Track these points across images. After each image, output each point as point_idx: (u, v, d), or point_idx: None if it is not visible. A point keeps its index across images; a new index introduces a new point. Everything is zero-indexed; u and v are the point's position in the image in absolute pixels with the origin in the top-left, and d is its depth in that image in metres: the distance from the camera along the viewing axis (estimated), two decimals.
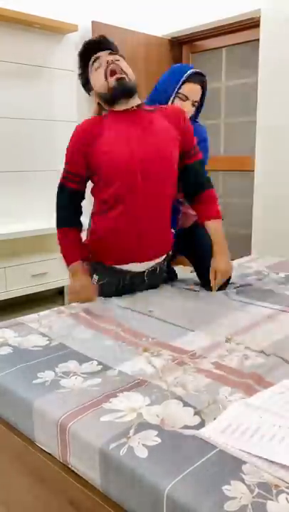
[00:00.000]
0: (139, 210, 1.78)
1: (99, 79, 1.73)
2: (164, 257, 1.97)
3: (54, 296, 3.82)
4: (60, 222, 1.87)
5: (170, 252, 2.03)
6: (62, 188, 1.84)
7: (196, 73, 2.01)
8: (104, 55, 1.72)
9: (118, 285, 1.92)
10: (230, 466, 0.90)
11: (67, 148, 1.83)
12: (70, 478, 1.05)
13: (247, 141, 3.83)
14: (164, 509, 0.85)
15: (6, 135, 3.33)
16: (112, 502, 0.97)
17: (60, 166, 3.77)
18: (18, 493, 1.27)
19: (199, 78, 2.01)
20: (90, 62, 1.75)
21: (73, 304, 1.87)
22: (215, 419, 1.05)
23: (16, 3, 3.18)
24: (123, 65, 1.73)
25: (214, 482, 0.85)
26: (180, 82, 1.98)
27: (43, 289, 3.45)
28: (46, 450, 1.14)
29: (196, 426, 1.03)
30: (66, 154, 1.83)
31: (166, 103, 1.99)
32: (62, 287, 3.67)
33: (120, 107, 1.77)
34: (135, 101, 1.78)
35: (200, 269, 2.08)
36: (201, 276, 2.08)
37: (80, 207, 1.90)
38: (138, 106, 1.79)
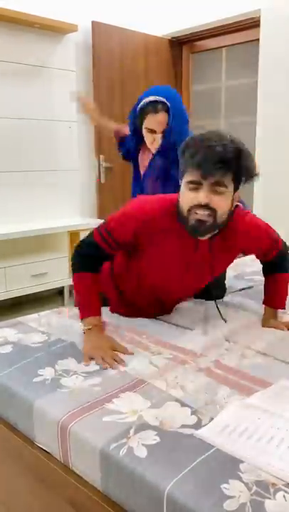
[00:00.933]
0: (167, 297, 1.71)
1: (185, 200, 1.37)
2: None
3: (54, 296, 3.83)
4: (80, 267, 1.53)
5: None
6: (94, 247, 1.51)
7: (153, 101, 1.91)
8: (205, 187, 1.32)
9: None
10: (228, 464, 0.90)
11: (119, 217, 1.49)
12: (70, 478, 1.06)
13: (247, 141, 3.84)
14: (164, 509, 0.86)
15: (5, 135, 3.33)
16: (112, 502, 0.97)
17: (60, 166, 3.76)
18: (18, 493, 1.27)
19: (153, 106, 1.90)
20: (186, 179, 1.36)
21: (74, 307, 1.87)
22: (212, 418, 1.05)
23: (16, 3, 3.18)
24: (221, 204, 1.35)
25: (213, 481, 0.86)
26: (141, 117, 1.96)
27: (43, 289, 3.46)
28: (46, 450, 1.14)
29: (194, 425, 1.03)
30: (114, 220, 1.49)
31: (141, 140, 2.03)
32: (62, 287, 3.67)
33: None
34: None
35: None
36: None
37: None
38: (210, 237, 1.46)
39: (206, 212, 1.34)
